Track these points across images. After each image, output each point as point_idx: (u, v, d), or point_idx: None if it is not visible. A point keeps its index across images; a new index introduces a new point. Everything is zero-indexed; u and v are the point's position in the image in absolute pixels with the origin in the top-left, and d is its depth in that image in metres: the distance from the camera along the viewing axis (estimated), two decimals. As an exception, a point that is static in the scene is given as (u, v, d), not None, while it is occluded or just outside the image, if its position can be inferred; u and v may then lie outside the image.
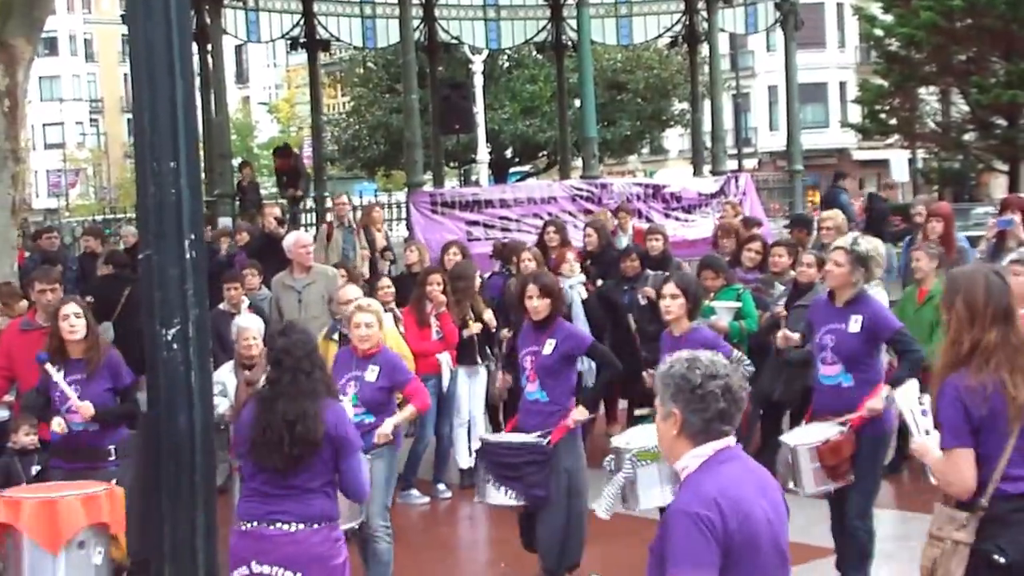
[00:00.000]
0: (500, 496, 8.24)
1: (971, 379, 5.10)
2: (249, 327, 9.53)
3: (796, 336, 8.58)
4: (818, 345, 7.85)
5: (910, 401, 5.52)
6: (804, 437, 7.73)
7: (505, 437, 8.42)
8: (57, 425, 7.95)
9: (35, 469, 8.62)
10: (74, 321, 8.14)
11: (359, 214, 17.52)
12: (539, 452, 8.12)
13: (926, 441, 5.32)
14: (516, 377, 8.76)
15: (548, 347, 8.31)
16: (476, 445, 11.54)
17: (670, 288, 8.24)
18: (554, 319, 8.41)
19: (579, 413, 8.43)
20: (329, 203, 23.30)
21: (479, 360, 11.68)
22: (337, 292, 10.63)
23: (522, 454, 8.14)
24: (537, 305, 8.32)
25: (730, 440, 4.21)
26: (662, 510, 6.72)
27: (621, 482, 7.60)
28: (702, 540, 3.98)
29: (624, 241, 14.98)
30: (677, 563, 4.00)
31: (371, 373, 8.39)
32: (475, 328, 11.50)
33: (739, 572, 4.05)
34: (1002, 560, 5.14)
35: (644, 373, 8.98)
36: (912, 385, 5.66)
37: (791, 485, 7.45)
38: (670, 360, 4.27)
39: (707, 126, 24.72)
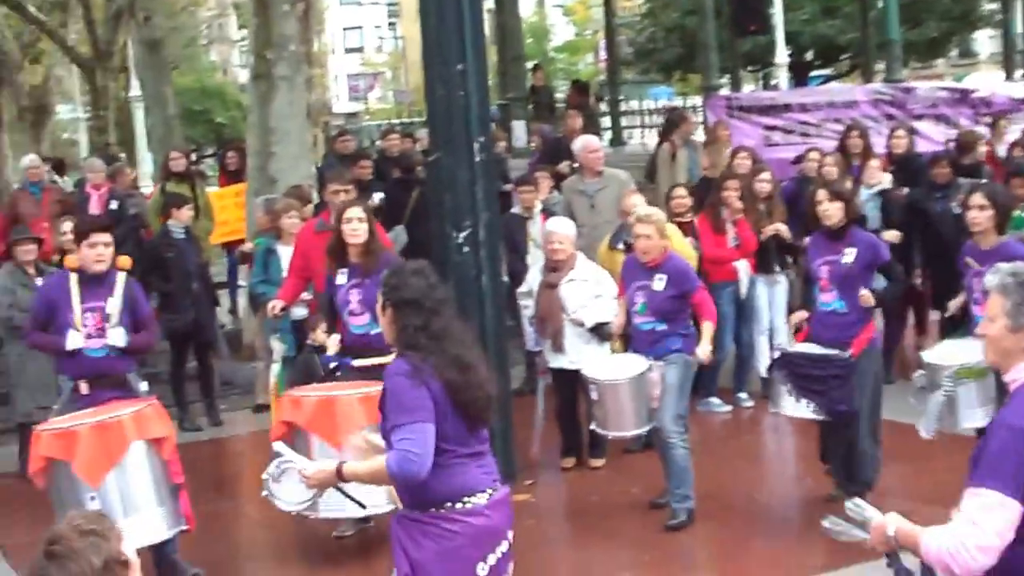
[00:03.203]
0: (799, 408, 8.01)
1: None
2: (556, 230, 9.49)
3: None
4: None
5: None
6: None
7: (806, 348, 8.10)
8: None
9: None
10: (356, 225, 8.24)
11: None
12: (842, 365, 7.84)
13: None
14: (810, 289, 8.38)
15: (848, 256, 8.00)
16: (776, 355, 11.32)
17: (977, 199, 7.90)
18: (849, 227, 8.07)
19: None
20: (624, 107, 23.04)
21: (776, 268, 11.36)
22: (624, 200, 10.47)
23: (826, 366, 7.86)
24: (827, 209, 8.00)
25: None
26: (980, 432, 6.35)
27: (942, 400, 7.32)
28: (1019, 459, 3.66)
29: (1001, 151, 14.18)
30: (986, 477, 3.69)
31: (658, 282, 8.25)
32: (771, 230, 11.15)
33: None
34: None
35: (949, 304, 8.76)
36: None
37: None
38: (1011, 270, 3.92)
39: (1020, 27, 23.33)
